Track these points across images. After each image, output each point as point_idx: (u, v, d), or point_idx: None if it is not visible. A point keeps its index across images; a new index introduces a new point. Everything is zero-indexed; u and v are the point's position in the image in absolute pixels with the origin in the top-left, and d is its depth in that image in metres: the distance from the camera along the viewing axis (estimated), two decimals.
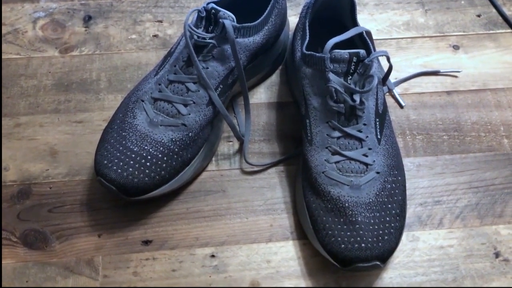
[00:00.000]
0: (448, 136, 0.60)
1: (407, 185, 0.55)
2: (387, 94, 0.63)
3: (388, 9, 0.71)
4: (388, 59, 0.52)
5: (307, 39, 0.55)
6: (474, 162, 0.59)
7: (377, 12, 0.70)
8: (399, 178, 0.52)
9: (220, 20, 0.51)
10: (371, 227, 0.48)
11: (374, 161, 0.51)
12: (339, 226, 0.48)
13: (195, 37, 0.52)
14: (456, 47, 0.67)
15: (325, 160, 0.51)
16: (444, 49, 0.67)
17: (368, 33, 0.54)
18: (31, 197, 0.55)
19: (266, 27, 0.56)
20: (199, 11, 0.52)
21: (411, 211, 0.55)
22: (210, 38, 0.52)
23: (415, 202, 0.56)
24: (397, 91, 0.63)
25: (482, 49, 0.67)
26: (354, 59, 0.49)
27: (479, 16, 0.70)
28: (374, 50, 0.55)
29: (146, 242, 0.53)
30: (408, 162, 0.58)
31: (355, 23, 0.58)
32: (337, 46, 0.51)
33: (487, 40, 0.68)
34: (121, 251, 0.52)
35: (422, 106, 0.62)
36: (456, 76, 0.65)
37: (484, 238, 0.54)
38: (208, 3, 0.52)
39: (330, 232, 0.48)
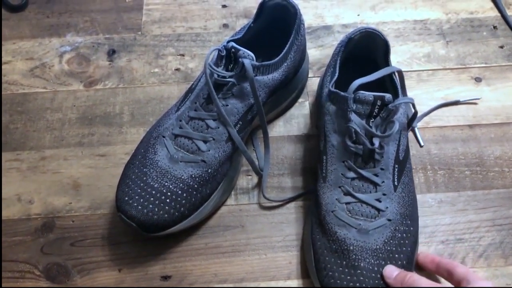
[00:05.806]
0: (470, 172, 0.59)
1: (428, 221, 0.54)
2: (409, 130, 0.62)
3: (408, 40, 0.70)
4: (414, 106, 0.52)
5: (336, 76, 0.55)
6: (498, 198, 0.57)
7: (398, 44, 0.70)
8: (411, 228, 0.50)
9: (240, 59, 0.51)
10: (373, 275, 0.47)
11: (387, 207, 0.50)
12: (341, 269, 0.47)
13: (215, 75, 0.53)
14: (478, 79, 0.66)
15: (336, 199, 0.51)
16: (466, 81, 0.66)
17: (400, 73, 0.53)
18: (54, 230, 0.56)
19: (285, 64, 0.57)
20: (219, 50, 0.53)
21: (433, 249, 0.54)
22: (230, 77, 0.53)
23: (436, 240, 0.55)
24: (417, 126, 0.62)
25: (505, 81, 0.66)
26: (379, 103, 0.49)
27: (501, 47, 0.69)
28: (404, 89, 0.54)
29: (165, 278, 0.53)
30: (429, 198, 0.57)
31: (387, 64, 0.57)
32: (366, 84, 0.50)
33: (510, 72, 0.67)
34: (141, 286, 0.52)
35: (444, 140, 0.62)
36: (478, 109, 0.64)
37: (509, 278, 0.52)
38: (228, 41, 0.53)
39: (330, 273, 0.48)
